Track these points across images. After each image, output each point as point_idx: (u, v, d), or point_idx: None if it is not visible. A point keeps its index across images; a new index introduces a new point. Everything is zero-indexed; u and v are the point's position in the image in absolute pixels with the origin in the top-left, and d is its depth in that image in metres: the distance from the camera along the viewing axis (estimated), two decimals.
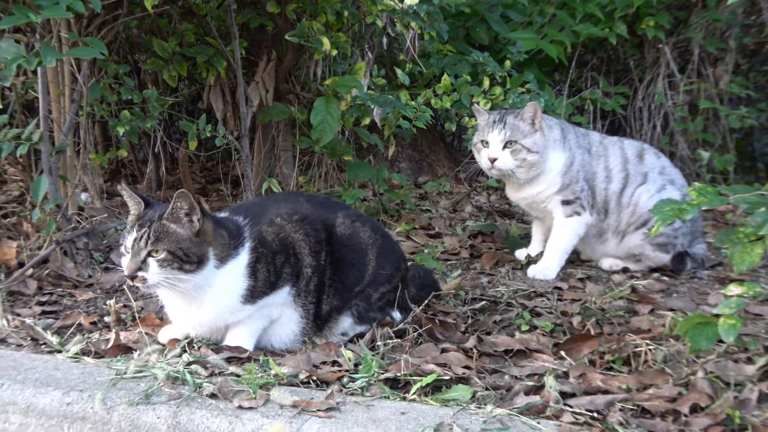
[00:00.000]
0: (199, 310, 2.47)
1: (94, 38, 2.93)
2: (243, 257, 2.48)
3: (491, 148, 3.44)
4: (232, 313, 2.50)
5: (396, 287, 2.73)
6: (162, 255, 2.34)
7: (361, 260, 2.68)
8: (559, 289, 3.29)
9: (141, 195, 2.47)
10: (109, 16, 3.56)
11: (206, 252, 2.40)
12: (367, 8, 4.06)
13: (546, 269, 3.49)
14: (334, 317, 2.67)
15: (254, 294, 2.48)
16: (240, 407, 2.03)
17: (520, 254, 3.77)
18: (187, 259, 2.36)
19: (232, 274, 2.46)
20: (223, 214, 2.65)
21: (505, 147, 3.41)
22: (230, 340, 2.53)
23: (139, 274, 2.34)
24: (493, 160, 3.42)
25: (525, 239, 3.96)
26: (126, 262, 2.37)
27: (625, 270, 3.58)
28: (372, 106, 4.00)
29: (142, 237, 2.35)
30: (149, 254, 2.34)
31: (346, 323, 2.69)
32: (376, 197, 4.50)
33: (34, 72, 3.63)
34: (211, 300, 2.46)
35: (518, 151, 3.40)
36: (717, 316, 2.11)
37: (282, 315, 2.59)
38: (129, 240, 2.38)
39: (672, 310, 2.94)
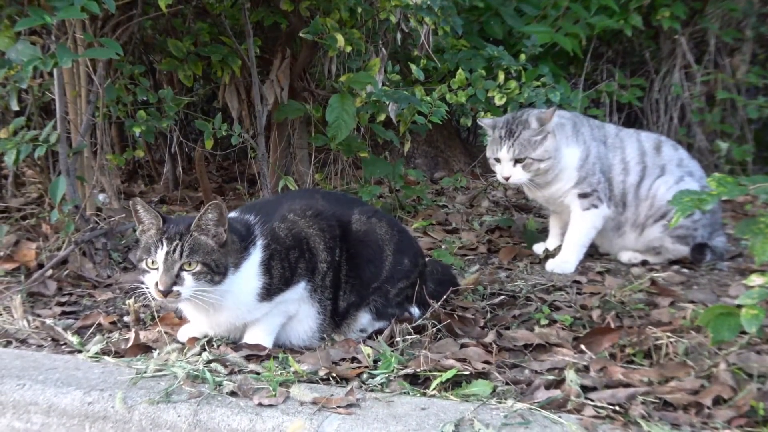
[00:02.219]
0: (217, 312, 2.47)
1: (109, 39, 2.94)
2: (255, 256, 2.47)
3: (503, 165, 3.45)
4: (250, 312, 2.49)
5: (414, 283, 2.73)
6: (197, 268, 2.33)
7: (378, 256, 2.67)
8: (578, 282, 3.27)
9: (156, 210, 2.44)
10: (123, 17, 3.57)
11: (228, 262, 2.40)
12: (380, 4, 4.05)
13: (564, 263, 3.47)
14: (352, 313, 2.66)
15: (270, 291, 2.48)
16: (260, 405, 2.03)
17: (538, 248, 3.75)
18: (217, 270, 2.35)
19: (247, 274, 2.45)
20: (233, 214, 2.62)
21: (516, 163, 3.41)
22: (249, 338, 2.53)
23: (174, 288, 2.31)
24: (507, 178, 3.44)
25: (542, 233, 3.95)
26: (157, 278, 2.32)
27: (644, 263, 3.55)
28: (387, 102, 3.99)
29: (174, 250, 2.32)
30: (182, 268, 2.32)
31: (364, 319, 2.68)
32: (392, 193, 4.50)
33: (50, 74, 3.65)
34: (229, 302, 2.45)
35: (530, 164, 3.39)
36: (739, 306, 2.09)
37: (299, 311, 2.59)
38: (159, 254, 2.32)
39: (692, 302, 2.91)
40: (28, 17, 2.75)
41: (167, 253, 2.32)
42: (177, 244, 2.33)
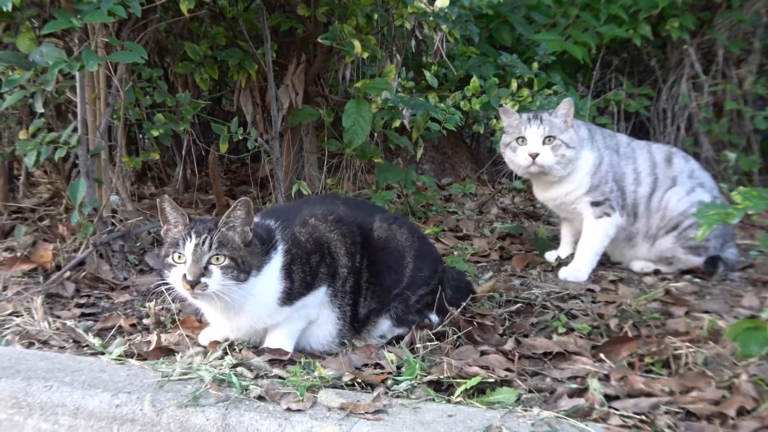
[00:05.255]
0: (237, 315, 2.49)
1: (133, 42, 2.95)
2: (276, 260, 2.48)
3: (530, 144, 3.42)
4: (270, 316, 2.51)
5: (434, 290, 2.74)
6: (225, 262, 2.34)
7: (399, 263, 2.68)
8: (592, 291, 3.29)
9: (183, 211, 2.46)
10: (140, 21, 3.57)
11: (252, 262, 2.41)
12: (397, 11, 4.07)
13: (577, 271, 3.49)
14: (373, 320, 2.68)
15: (291, 296, 2.49)
16: (288, 409, 2.04)
17: (550, 256, 3.77)
18: (243, 268, 2.37)
19: (268, 278, 2.46)
20: (254, 219, 2.64)
21: (544, 143, 3.42)
22: (270, 342, 2.55)
23: (202, 280, 2.32)
24: (534, 156, 3.40)
25: (554, 241, 3.97)
26: (185, 270, 2.33)
27: (656, 272, 3.57)
28: (402, 109, 4.01)
29: (204, 242, 2.34)
30: (209, 261, 2.34)
31: (384, 326, 2.70)
32: (401, 199, 4.51)
33: (66, 76, 3.66)
34: (251, 305, 2.47)
35: (558, 146, 3.40)
36: (752, 317, 2.11)
37: (320, 316, 2.60)
38: (188, 247, 2.34)
39: (707, 312, 2.93)
40: (53, 20, 2.76)
41: (196, 245, 2.34)
42: (206, 237, 2.35)
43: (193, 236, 2.36)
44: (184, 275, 2.33)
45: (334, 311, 2.61)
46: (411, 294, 2.69)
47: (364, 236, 2.66)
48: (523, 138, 3.45)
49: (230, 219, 2.39)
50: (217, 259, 2.35)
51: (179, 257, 2.37)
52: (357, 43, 3.76)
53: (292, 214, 2.66)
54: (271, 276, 2.47)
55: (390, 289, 2.67)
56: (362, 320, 2.67)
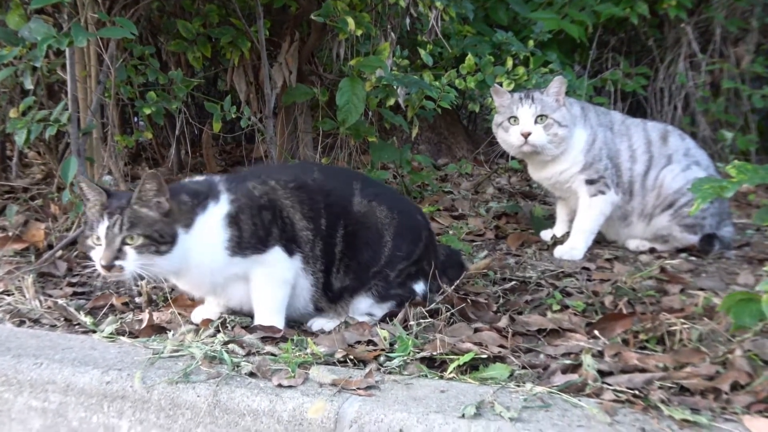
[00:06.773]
0: (188, 275, 2.47)
1: (123, 18, 2.92)
2: (217, 209, 2.44)
3: (523, 123, 3.41)
4: (226, 266, 2.46)
5: (417, 260, 2.68)
6: (139, 241, 2.30)
7: (377, 241, 2.62)
8: (587, 269, 3.28)
9: (101, 186, 2.42)
10: None
11: (176, 228, 2.36)
12: None
13: (573, 250, 3.48)
14: (347, 297, 2.64)
15: (241, 245, 2.44)
16: (279, 386, 2.03)
17: (546, 235, 3.76)
18: (162, 240, 2.32)
19: (206, 228, 2.42)
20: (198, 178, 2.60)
21: (536, 122, 3.40)
22: (259, 319, 2.53)
23: (117, 263, 2.29)
24: (526, 135, 3.39)
25: (549, 220, 3.96)
26: (100, 253, 2.30)
27: (652, 250, 3.56)
28: (397, 87, 3.98)
29: (115, 224, 2.29)
30: (123, 242, 2.30)
31: (364, 303, 2.65)
32: (397, 179, 4.49)
33: (56, 53, 3.62)
34: (195, 260, 2.42)
35: (550, 125, 3.39)
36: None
37: (296, 284, 2.57)
38: (101, 229, 2.30)
39: (702, 289, 2.92)
40: None
41: (108, 227, 2.30)
42: (117, 218, 2.30)
43: (106, 218, 2.31)
44: (100, 258, 2.30)
45: (307, 278, 2.57)
46: (390, 271, 2.63)
47: (340, 206, 2.60)
48: (515, 117, 3.43)
49: (141, 194, 2.34)
50: (131, 239, 2.30)
51: (97, 239, 2.33)
52: (351, 21, 3.72)
53: (257, 173, 2.64)
54: (210, 226, 2.42)
55: (368, 266, 2.61)
56: (337, 293, 2.62)
